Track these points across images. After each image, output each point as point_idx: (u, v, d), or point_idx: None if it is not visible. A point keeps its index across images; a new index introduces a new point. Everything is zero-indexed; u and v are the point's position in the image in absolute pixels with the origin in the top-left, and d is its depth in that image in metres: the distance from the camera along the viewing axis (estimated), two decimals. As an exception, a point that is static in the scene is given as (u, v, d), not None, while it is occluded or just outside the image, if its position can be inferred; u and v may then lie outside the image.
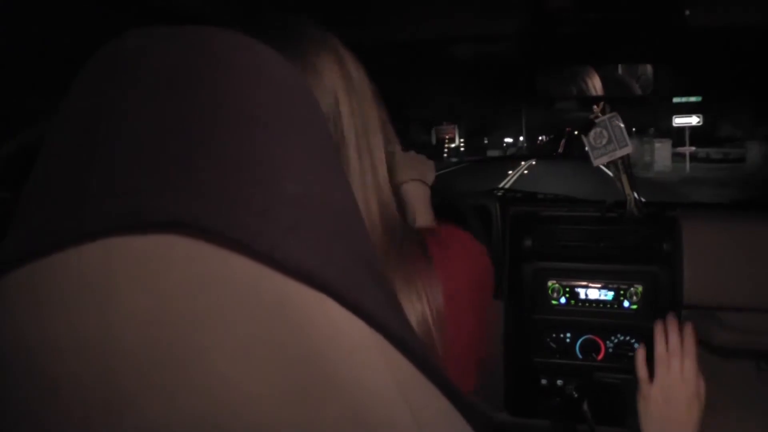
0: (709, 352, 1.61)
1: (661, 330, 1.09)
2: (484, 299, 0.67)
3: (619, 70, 1.60)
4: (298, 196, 0.30)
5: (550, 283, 1.66)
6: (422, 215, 1.07)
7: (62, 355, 0.27)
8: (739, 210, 1.91)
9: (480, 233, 1.70)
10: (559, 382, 1.69)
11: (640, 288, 1.60)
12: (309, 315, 0.27)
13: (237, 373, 0.26)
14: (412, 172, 1.10)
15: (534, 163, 26.84)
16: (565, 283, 1.65)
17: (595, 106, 1.64)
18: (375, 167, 0.63)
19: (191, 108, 0.30)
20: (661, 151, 19.51)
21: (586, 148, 1.62)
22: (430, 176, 1.13)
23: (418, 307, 0.58)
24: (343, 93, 0.64)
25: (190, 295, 0.27)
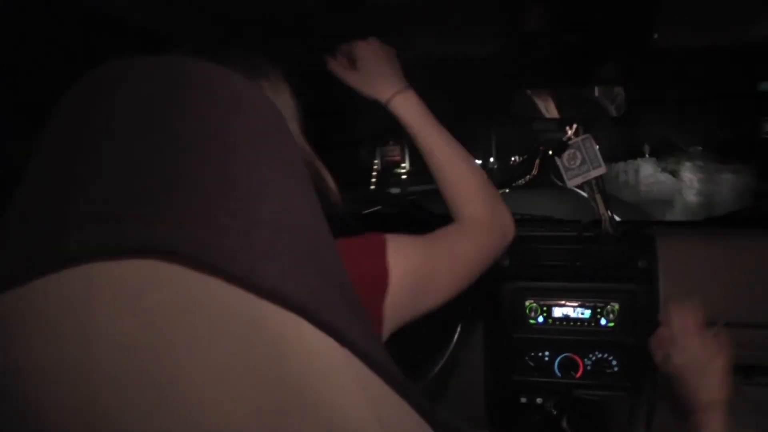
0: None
1: (666, 317, 1.09)
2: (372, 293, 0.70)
3: (596, 92, 1.64)
4: (272, 219, 0.30)
5: (527, 303, 1.67)
6: (436, 132, 0.98)
7: (44, 380, 0.27)
8: (713, 226, 1.94)
9: None
10: (539, 399, 1.71)
11: (616, 306, 1.62)
12: (284, 336, 0.28)
13: (215, 395, 0.27)
14: (392, 76, 0.99)
15: (507, 191, 26.41)
16: (542, 302, 1.67)
17: (568, 128, 1.67)
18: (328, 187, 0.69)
19: (169, 137, 0.31)
20: (646, 170, 19.63)
21: (560, 170, 1.65)
22: (401, 74, 1.00)
23: None
24: (292, 119, 0.69)
25: (169, 319, 0.27)
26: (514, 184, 1.80)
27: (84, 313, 0.27)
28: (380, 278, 0.71)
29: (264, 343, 0.28)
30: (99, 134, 0.31)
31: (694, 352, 1.05)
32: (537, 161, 1.71)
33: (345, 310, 0.31)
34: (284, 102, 0.71)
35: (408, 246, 0.77)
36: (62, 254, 0.28)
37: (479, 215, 0.94)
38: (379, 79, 0.96)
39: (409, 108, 0.95)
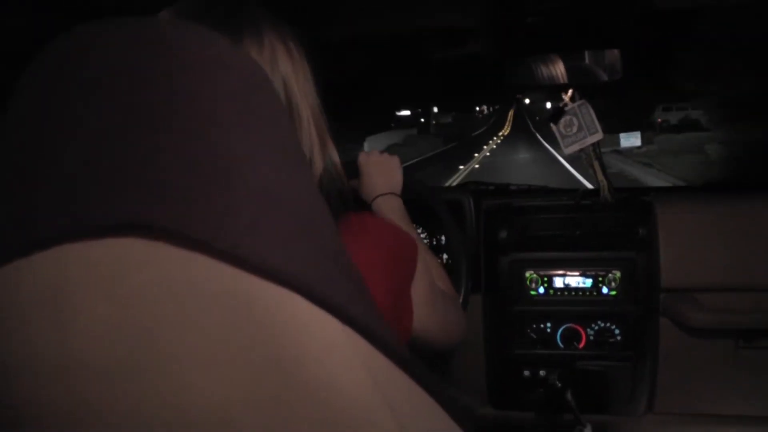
0: (688, 333, 1.62)
1: None
2: (397, 274, 0.72)
3: (586, 59, 1.60)
4: (260, 191, 0.29)
5: (527, 274, 1.65)
6: None
7: (18, 374, 0.26)
8: (710, 192, 1.92)
9: (454, 228, 1.69)
10: (542, 372, 1.69)
11: (618, 274, 1.60)
12: (277, 315, 0.26)
13: (205, 379, 0.25)
14: (381, 182, 1.11)
15: (488, 154, 25.55)
16: (542, 272, 1.64)
17: (564, 94, 1.63)
18: (331, 154, 0.65)
19: (145, 105, 0.29)
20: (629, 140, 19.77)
21: (557, 136, 1.62)
22: (399, 181, 1.14)
23: None
24: (292, 76, 0.64)
25: (151, 301, 0.25)
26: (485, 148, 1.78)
27: (58, 299, 0.25)
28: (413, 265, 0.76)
29: (255, 322, 0.26)
30: (68, 106, 0.29)
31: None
32: (511, 113, 1.69)
33: (343, 284, 0.30)
34: (302, 79, 0.66)
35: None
36: (30, 237, 0.26)
37: (424, 334, 0.90)
38: (368, 183, 1.12)
39: (384, 208, 1.10)
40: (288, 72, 0.62)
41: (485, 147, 27.12)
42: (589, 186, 1.77)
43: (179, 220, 0.26)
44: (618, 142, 12.36)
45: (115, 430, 0.25)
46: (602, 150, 1.69)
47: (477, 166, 20.16)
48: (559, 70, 1.61)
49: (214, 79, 0.31)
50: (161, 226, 0.25)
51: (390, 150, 1.27)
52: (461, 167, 19.61)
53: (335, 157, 0.68)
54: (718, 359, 1.73)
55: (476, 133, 40.81)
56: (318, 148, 0.65)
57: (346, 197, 0.70)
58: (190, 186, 0.27)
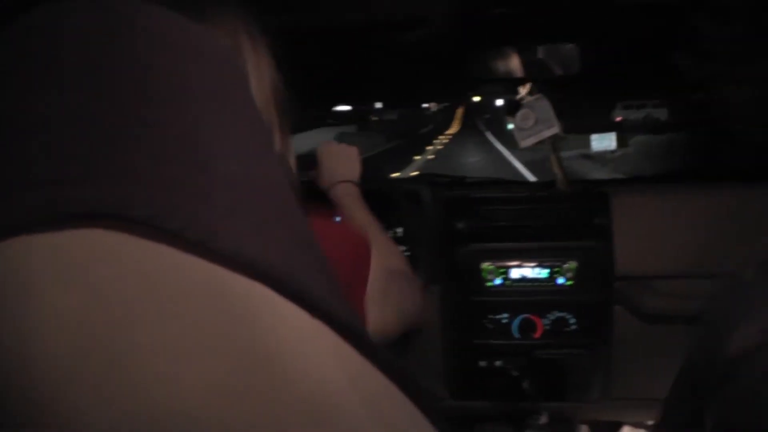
0: (641, 319, 1.66)
1: None
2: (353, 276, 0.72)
3: (539, 53, 1.62)
4: (235, 176, 0.28)
5: (484, 265, 1.67)
6: (359, 219, 1.07)
7: None
8: (665, 182, 1.97)
9: (413, 219, 1.70)
10: (498, 362, 1.71)
11: (574, 264, 1.63)
12: (252, 305, 0.26)
13: (178, 371, 0.24)
14: (340, 170, 1.12)
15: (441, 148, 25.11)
16: (499, 263, 1.66)
17: (521, 88, 1.65)
18: (288, 144, 0.65)
19: (113, 87, 0.28)
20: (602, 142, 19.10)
21: (513, 130, 1.64)
22: (358, 170, 1.14)
23: None
24: (254, 70, 0.63)
25: (120, 292, 0.24)
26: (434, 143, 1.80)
27: (21, 290, 0.24)
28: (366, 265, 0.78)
29: (231, 313, 0.25)
30: (32, 88, 0.28)
31: None
32: (460, 110, 1.70)
33: (318, 276, 0.29)
34: (264, 66, 0.64)
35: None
36: None
37: (378, 319, 0.90)
38: (327, 171, 1.15)
39: (343, 196, 1.12)
40: (251, 64, 0.61)
41: (429, 148, 25.89)
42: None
43: (148, 208, 0.24)
44: (589, 145, 11.08)
45: (85, 423, 0.24)
46: (569, 154, 1.72)
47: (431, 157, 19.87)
48: (516, 64, 1.62)
49: (191, 63, 0.30)
50: (132, 216, 0.24)
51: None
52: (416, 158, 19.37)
53: (291, 149, 0.68)
54: (672, 344, 1.77)
55: (424, 131, 38.54)
56: (278, 140, 0.65)
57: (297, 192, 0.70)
58: (162, 172, 0.26)
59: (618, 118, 20.81)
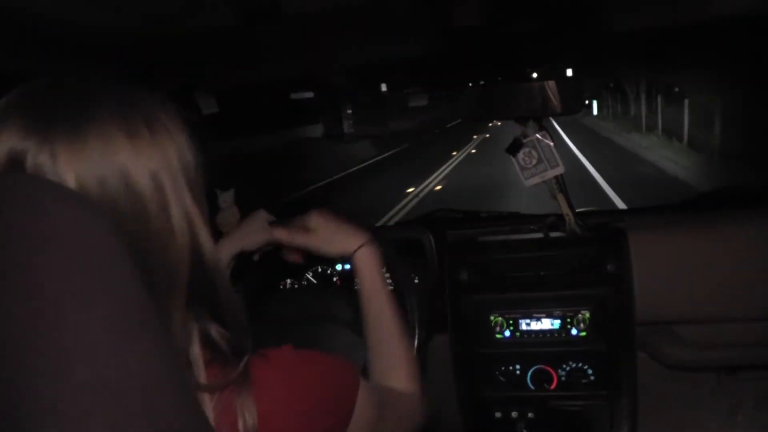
0: (667, 367, 1.55)
1: None
2: (313, 417, 0.66)
3: (544, 87, 1.53)
4: (91, 380, 0.26)
5: (492, 317, 1.57)
6: (376, 292, 1.00)
7: None
8: (688, 210, 1.84)
9: (417, 270, 1.62)
10: (514, 413, 1.62)
11: (587, 314, 1.52)
12: None
13: None
14: (352, 231, 1.03)
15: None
16: (508, 315, 1.56)
17: (522, 125, 1.57)
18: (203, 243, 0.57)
19: None
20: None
21: (517, 169, 1.55)
22: (358, 228, 1.05)
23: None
24: (179, 170, 0.56)
25: None
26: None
27: None
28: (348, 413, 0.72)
29: None
30: None
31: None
32: None
33: None
34: (172, 150, 0.57)
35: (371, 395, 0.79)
36: None
37: (407, 388, 0.95)
38: (340, 236, 1.05)
39: (368, 262, 1.03)
40: (129, 162, 0.53)
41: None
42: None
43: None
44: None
45: None
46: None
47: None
48: (513, 99, 1.54)
49: (46, 254, 0.27)
50: None
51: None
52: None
53: (207, 243, 0.60)
54: (699, 391, 1.65)
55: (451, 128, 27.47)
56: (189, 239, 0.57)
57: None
58: (14, 378, 0.24)
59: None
